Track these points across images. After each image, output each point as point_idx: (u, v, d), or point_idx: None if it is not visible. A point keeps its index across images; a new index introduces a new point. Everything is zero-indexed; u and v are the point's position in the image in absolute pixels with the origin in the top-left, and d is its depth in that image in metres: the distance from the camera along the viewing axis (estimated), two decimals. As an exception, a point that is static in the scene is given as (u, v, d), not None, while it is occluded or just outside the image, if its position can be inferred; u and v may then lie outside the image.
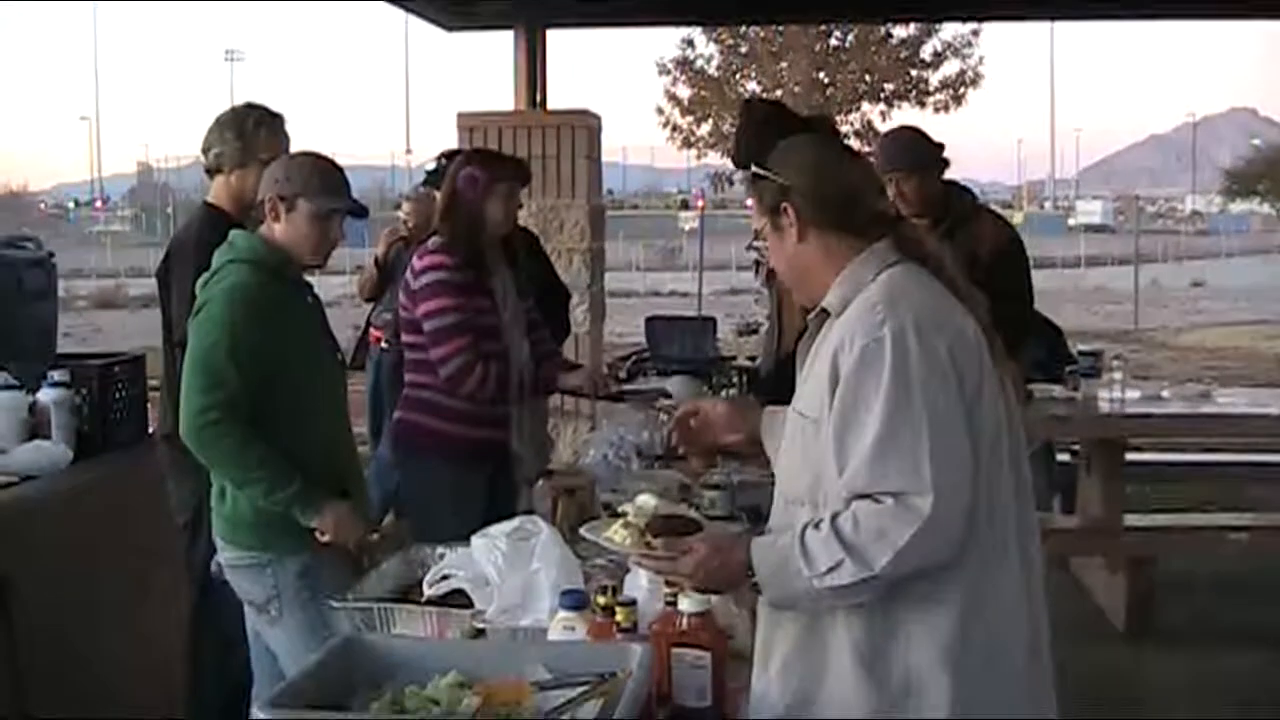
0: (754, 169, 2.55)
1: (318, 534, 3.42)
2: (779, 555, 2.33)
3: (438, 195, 4.56)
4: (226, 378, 3.36)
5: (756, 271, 5.73)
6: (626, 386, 4.93)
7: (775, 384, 4.28)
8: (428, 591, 3.07)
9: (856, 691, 2.33)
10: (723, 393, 4.95)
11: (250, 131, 4.18)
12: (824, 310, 2.48)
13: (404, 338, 4.43)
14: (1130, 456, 6.78)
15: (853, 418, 2.29)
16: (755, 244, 5.57)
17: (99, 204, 72.13)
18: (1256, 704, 5.27)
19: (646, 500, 2.88)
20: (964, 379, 2.31)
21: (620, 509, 2.89)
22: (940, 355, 2.29)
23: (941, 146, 5.06)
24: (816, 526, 2.29)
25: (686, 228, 36.52)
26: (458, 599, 3.02)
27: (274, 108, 4.28)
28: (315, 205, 3.53)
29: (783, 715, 2.40)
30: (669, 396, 4.77)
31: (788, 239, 2.50)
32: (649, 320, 7.10)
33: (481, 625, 2.88)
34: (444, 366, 4.20)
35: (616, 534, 2.69)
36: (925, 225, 4.25)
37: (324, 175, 3.59)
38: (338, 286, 18.49)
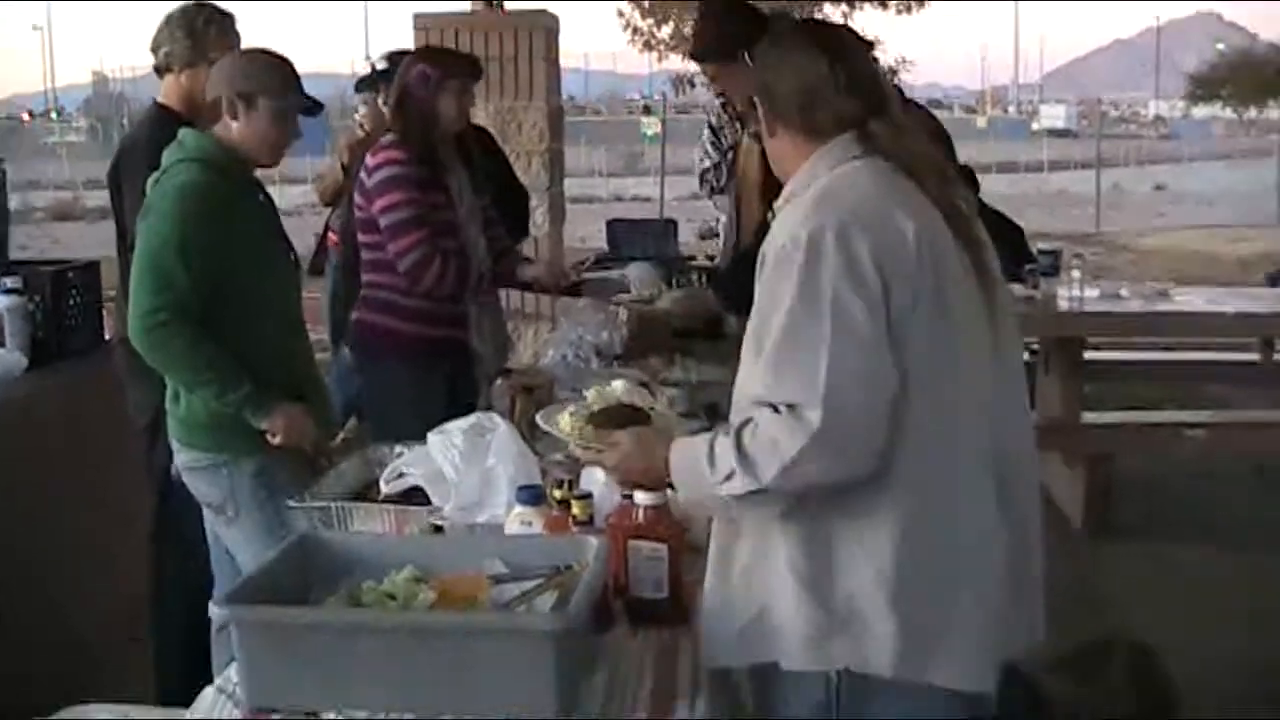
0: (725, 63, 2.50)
1: (269, 436, 3.40)
2: (691, 457, 2.27)
3: (382, 97, 4.48)
4: (175, 278, 3.31)
5: (701, 183, 5.69)
6: (586, 275, 4.90)
7: (733, 279, 4.26)
8: (384, 489, 3.07)
9: (799, 612, 2.22)
10: (680, 287, 4.94)
11: (200, 30, 4.10)
12: (787, 202, 2.38)
13: (360, 237, 4.38)
14: (1089, 355, 6.82)
15: (764, 320, 2.21)
16: (706, 152, 5.54)
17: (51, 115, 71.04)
18: (1210, 596, 5.36)
19: (616, 386, 2.96)
20: (890, 287, 2.16)
21: (585, 392, 2.95)
22: (861, 260, 2.15)
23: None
24: (726, 432, 2.22)
25: (650, 132, 36.21)
26: (416, 497, 3.02)
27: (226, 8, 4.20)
28: (276, 102, 3.47)
29: (745, 626, 2.29)
30: (628, 289, 4.76)
31: (764, 133, 2.46)
32: (610, 223, 7.07)
33: (439, 522, 2.88)
34: (402, 260, 4.17)
35: (563, 420, 2.71)
36: None
37: (282, 71, 3.52)
38: (298, 196, 18.27)
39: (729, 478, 2.16)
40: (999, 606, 2.25)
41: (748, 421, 2.18)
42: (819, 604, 2.20)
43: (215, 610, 2.21)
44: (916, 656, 2.18)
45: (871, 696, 2.20)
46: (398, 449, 3.19)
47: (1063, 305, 6.28)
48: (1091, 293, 6.45)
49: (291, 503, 3.04)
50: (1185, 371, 8.00)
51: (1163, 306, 6.49)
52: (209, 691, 2.34)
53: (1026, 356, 7.04)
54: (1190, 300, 6.76)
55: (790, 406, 2.13)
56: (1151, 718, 3.38)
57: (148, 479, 4.12)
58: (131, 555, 4.24)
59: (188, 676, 2.88)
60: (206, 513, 3.61)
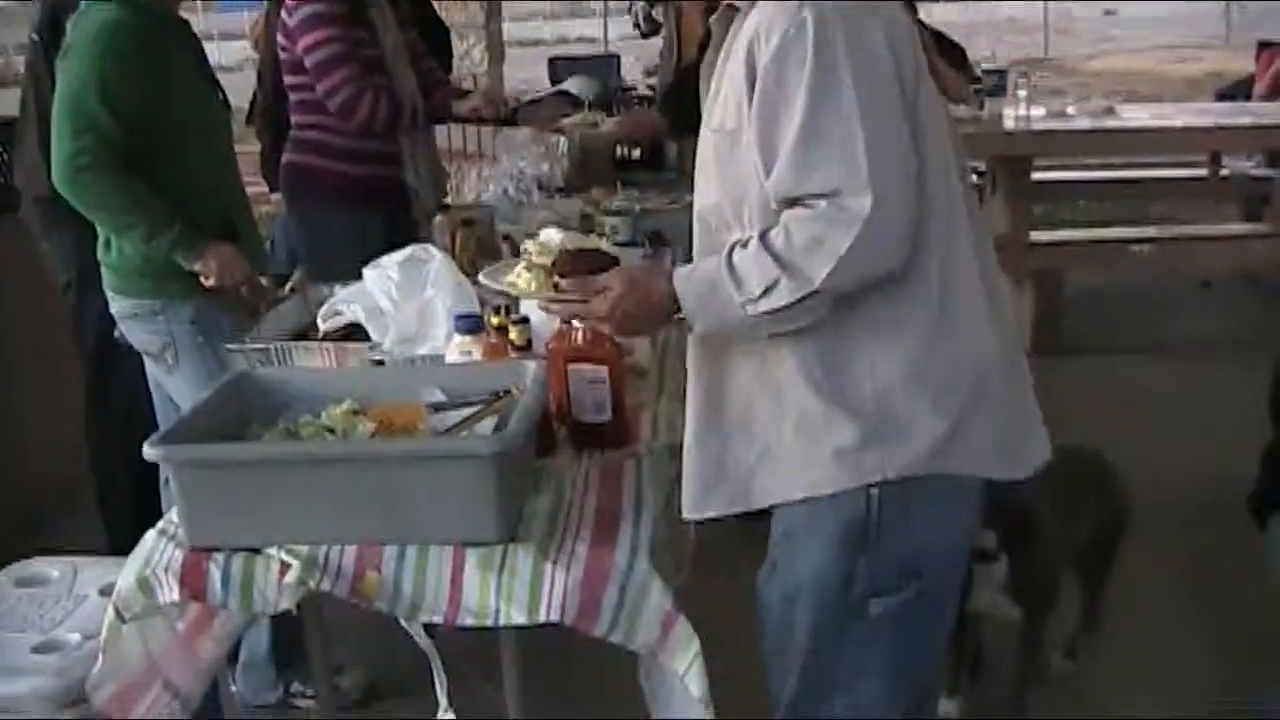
0: None
1: (202, 278, 3.33)
2: (705, 282, 2.05)
3: None
4: (97, 120, 3.21)
5: (636, 25, 5.56)
6: (525, 99, 4.80)
7: (677, 98, 4.17)
8: (322, 327, 3.03)
9: (829, 430, 2.05)
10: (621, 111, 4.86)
11: None
12: (731, 7, 2.16)
13: (286, 79, 4.26)
14: (1036, 176, 6.78)
15: (774, 114, 1.97)
16: None
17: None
18: (1158, 409, 5.42)
19: (550, 235, 2.73)
20: (901, 64, 2.00)
21: (523, 247, 2.70)
22: (873, 36, 1.98)
23: None
24: (744, 245, 2.01)
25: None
26: (357, 335, 2.98)
27: None
28: None
29: (750, 468, 2.14)
30: (573, 105, 4.67)
31: None
32: (551, 60, 6.96)
33: (379, 357, 2.84)
34: (333, 99, 4.06)
35: (520, 278, 2.43)
36: None
37: None
38: (238, 51, 17.86)
39: (769, 290, 1.97)
40: (1017, 398, 2.18)
41: (767, 230, 1.99)
42: (850, 416, 2.04)
43: (149, 452, 2.17)
44: (953, 448, 2.06)
45: (908, 499, 2.06)
46: (336, 287, 3.15)
47: (1009, 125, 6.24)
48: (1038, 112, 6.40)
49: (231, 346, 2.99)
50: (1133, 189, 8.00)
51: (1110, 123, 6.46)
52: (150, 535, 2.32)
53: (974, 178, 7.05)
54: (1137, 116, 6.72)
55: (828, 197, 1.94)
56: (1108, 526, 3.42)
57: (77, 334, 4.06)
58: (72, 415, 4.20)
59: (142, 530, 2.86)
60: (148, 361, 3.55)
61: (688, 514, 2.21)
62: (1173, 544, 4.24)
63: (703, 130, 2.17)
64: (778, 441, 2.09)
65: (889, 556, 2.09)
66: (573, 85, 4.68)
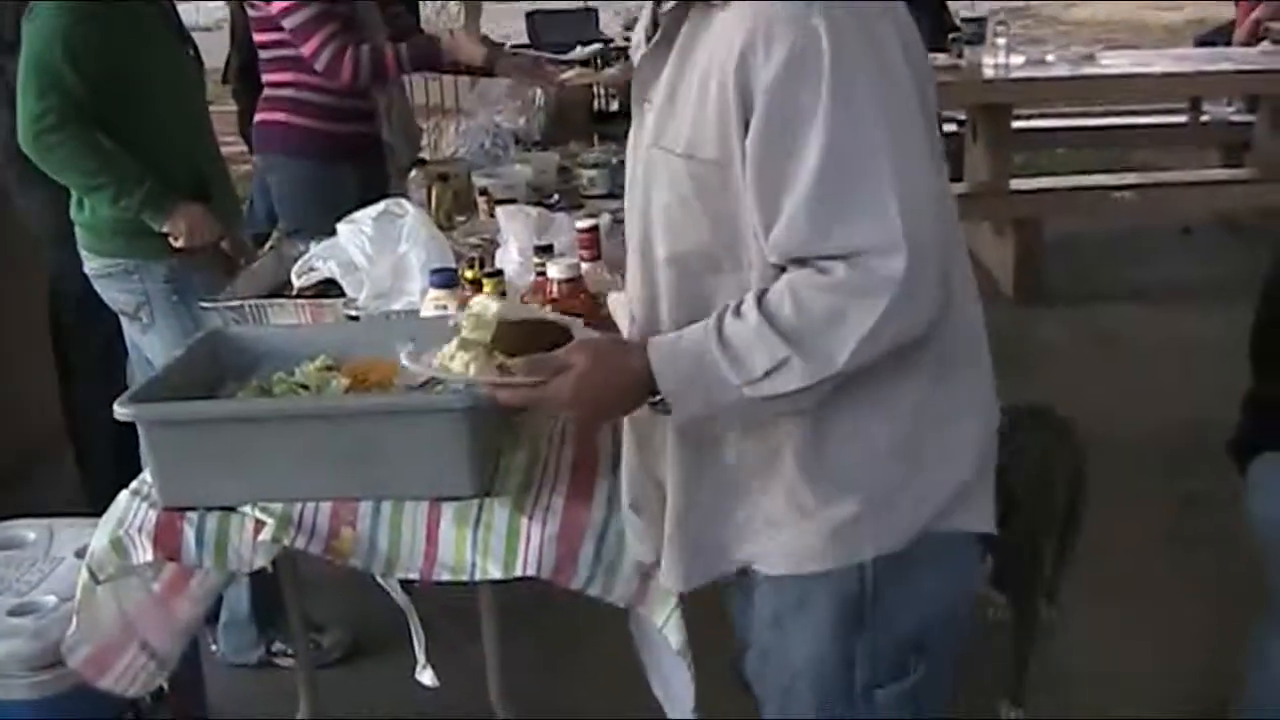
0: None
1: (171, 239, 3.30)
2: (691, 358, 1.68)
3: None
4: (63, 79, 3.16)
5: None
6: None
7: None
8: (297, 283, 3.00)
9: (822, 502, 1.78)
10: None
11: None
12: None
13: (257, 38, 4.19)
14: (1017, 125, 6.76)
15: (782, 150, 1.60)
16: None
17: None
18: (1138, 355, 5.42)
19: (484, 303, 2.13)
20: (918, 73, 1.67)
21: (453, 324, 2.11)
22: (894, 48, 1.63)
23: None
24: (739, 314, 1.66)
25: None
26: (332, 292, 2.95)
27: None
28: None
29: (739, 544, 1.86)
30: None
31: None
32: (529, 15, 6.88)
33: (354, 313, 2.82)
34: (318, 59, 3.99)
35: (455, 360, 1.91)
36: None
37: None
38: (216, 9, 17.69)
39: (774, 371, 1.63)
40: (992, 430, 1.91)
41: (765, 294, 1.65)
42: (844, 488, 1.77)
43: (119, 410, 2.15)
44: (954, 509, 1.81)
45: (905, 565, 1.80)
46: (311, 243, 3.12)
47: (989, 73, 6.20)
48: (1017, 59, 6.36)
49: (205, 304, 2.97)
50: (1113, 136, 7.98)
51: (1089, 70, 6.42)
52: (123, 496, 2.30)
53: (954, 127, 7.02)
54: (1117, 63, 6.69)
55: (848, 258, 1.59)
56: (1074, 484, 3.39)
57: (52, 291, 4.03)
58: (44, 368, 4.18)
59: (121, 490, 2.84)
60: (124, 322, 3.53)
61: (673, 587, 1.96)
62: (1155, 489, 4.25)
63: (655, 152, 1.76)
64: (766, 516, 1.82)
65: (890, 635, 1.84)
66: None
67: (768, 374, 1.63)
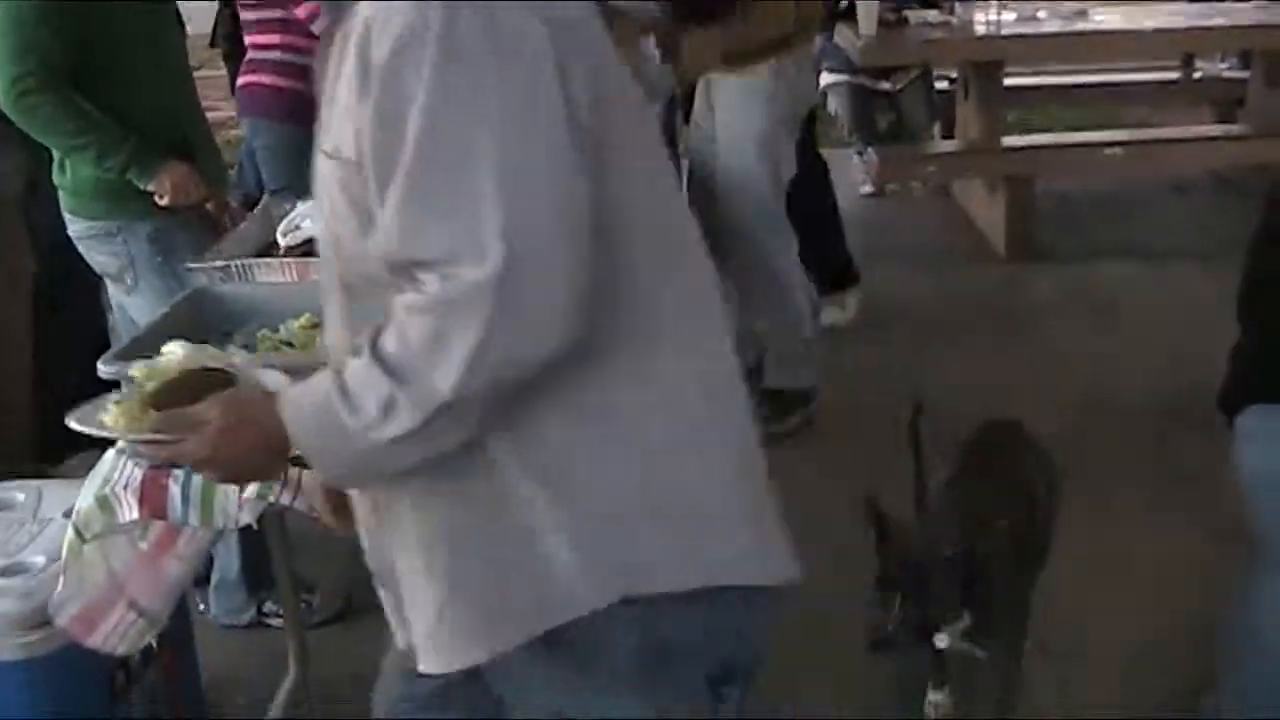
0: None
1: (156, 198, 3.27)
2: (317, 410, 1.51)
3: None
4: (40, 41, 3.13)
5: None
6: None
7: None
8: (283, 243, 2.99)
9: (556, 545, 1.55)
10: None
11: None
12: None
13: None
14: (1009, 82, 6.72)
15: (386, 140, 1.43)
16: None
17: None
18: (1131, 312, 5.40)
19: (172, 351, 2.02)
20: (567, 64, 1.46)
21: (131, 370, 1.99)
22: (533, 45, 1.44)
23: None
24: (357, 351, 1.50)
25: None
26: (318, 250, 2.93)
27: None
28: None
29: (500, 604, 1.61)
30: None
31: None
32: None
33: (341, 271, 2.80)
34: (316, 22, 3.97)
35: (110, 415, 1.82)
36: None
37: None
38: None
39: (388, 411, 1.45)
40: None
41: (381, 329, 1.48)
42: (575, 528, 1.55)
43: (103, 369, 2.14)
44: (703, 553, 1.59)
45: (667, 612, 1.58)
46: (297, 203, 3.10)
47: (980, 30, 6.15)
48: (1009, 16, 6.32)
49: (191, 264, 2.95)
50: (1105, 92, 7.95)
51: (1081, 27, 6.37)
52: (109, 455, 2.30)
53: (945, 85, 6.99)
54: (1109, 19, 6.65)
55: (438, 266, 1.42)
56: (1049, 504, 3.20)
57: (32, 253, 4.02)
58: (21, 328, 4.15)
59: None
60: (109, 284, 3.51)
61: (431, 670, 1.67)
62: (1146, 444, 4.25)
63: (318, 150, 1.61)
64: (500, 573, 1.58)
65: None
66: None
67: (384, 414, 1.45)
